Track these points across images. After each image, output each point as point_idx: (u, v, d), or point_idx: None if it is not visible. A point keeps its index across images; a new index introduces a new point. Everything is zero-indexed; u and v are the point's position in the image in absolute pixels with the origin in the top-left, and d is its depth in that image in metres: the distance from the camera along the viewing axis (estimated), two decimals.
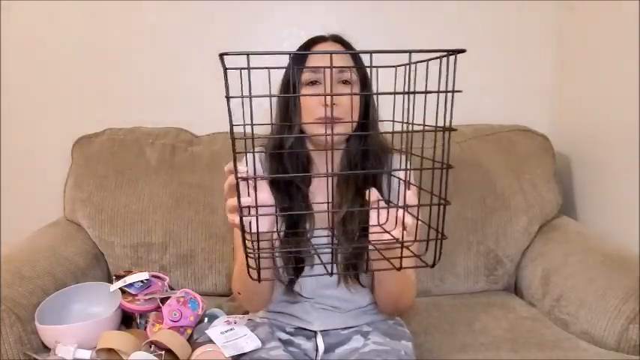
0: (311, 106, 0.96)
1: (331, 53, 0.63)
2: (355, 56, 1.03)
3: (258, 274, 0.64)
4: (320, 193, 1.04)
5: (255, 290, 0.97)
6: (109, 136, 1.49)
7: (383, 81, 0.70)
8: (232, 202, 0.73)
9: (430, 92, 0.61)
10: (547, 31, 1.65)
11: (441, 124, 0.60)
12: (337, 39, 1.04)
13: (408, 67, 0.65)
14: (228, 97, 0.56)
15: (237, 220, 0.73)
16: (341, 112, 0.96)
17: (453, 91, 0.59)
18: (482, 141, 1.50)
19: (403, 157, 1.02)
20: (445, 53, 0.59)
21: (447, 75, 0.58)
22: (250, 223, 0.68)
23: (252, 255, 0.64)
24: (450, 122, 0.60)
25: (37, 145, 1.67)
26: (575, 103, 1.57)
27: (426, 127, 0.63)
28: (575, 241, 1.33)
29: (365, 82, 1.02)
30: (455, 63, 0.57)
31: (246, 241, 0.63)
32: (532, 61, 1.67)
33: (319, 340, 1.03)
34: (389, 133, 0.70)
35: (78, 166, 1.46)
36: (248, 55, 0.53)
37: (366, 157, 1.02)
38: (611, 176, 1.40)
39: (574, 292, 1.20)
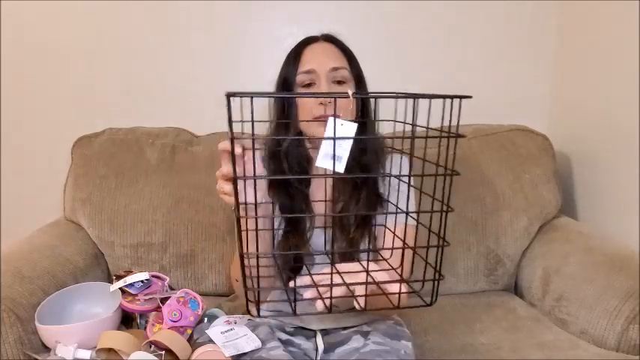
0: (308, 107, 0.97)
1: (335, 97, 0.62)
2: (349, 55, 1.04)
3: (257, 309, 0.64)
4: (319, 192, 1.04)
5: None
6: (109, 136, 1.49)
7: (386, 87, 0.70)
8: (224, 169, 0.75)
9: (432, 137, 0.60)
10: (547, 31, 1.65)
11: (446, 129, 0.59)
12: (329, 38, 1.05)
13: (413, 101, 0.64)
14: (232, 139, 0.57)
15: (225, 187, 0.75)
16: (338, 111, 0.96)
17: (457, 136, 0.58)
18: (482, 141, 1.50)
19: (405, 155, 1.03)
20: (450, 97, 0.58)
21: (451, 116, 0.58)
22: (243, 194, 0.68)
23: (250, 287, 0.63)
24: (455, 145, 0.59)
25: (37, 145, 1.67)
26: (575, 103, 1.57)
27: (432, 132, 0.62)
28: (575, 241, 1.33)
29: (359, 81, 1.02)
30: (460, 107, 0.57)
31: (244, 260, 0.63)
32: (532, 61, 1.67)
33: (319, 339, 1.03)
34: (393, 137, 0.70)
35: (78, 166, 1.46)
36: (252, 96, 0.55)
37: (363, 155, 1.03)
38: (611, 176, 1.40)
39: (574, 292, 1.20)
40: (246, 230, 0.63)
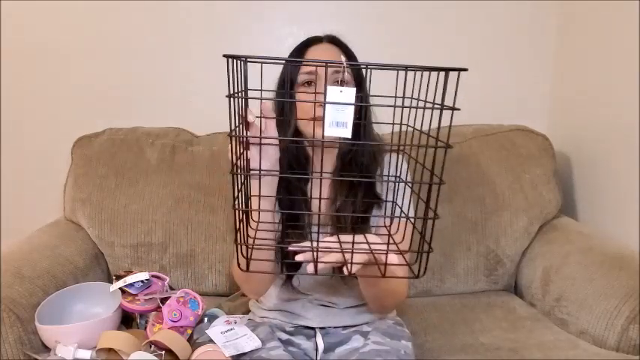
0: (306, 107, 0.98)
1: (327, 63, 0.65)
2: (350, 56, 1.04)
3: (247, 264, 0.66)
4: (317, 190, 1.05)
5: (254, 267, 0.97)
6: (109, 136, 1.49)
7: (382, 76, 0.71)
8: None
9: (427, 108, 0.62)
10: (547, 31, 1.65)
11: (446, 105, 0.60)
12: (332, 40, 1.05)
13: (404, 74, 0.66)
14: (229, 96, 0.59)
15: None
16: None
17: (453, 109, 0.59)
18: (482, 141, 1.50)
19: (400, 155, 1.03)
20: (443, 70, 0.60)
21: (445, 90, 0.59)
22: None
23: (251, 245, 0.65)
24: (449, 135, 0.60)
25: (37, 145, 1.67)
26: (575, 103, 1.57)
27: (429, 105, 0.64)
28: (575, 241, 1.33)
29: (359, 81, 1.02)
30: (457, 79, 0.58)
31: (239, 224, 0.65)
32: (532, 61, 1.67)
33: (319, 339, 1.03)
34: (390, 106, 0.71)
35: (78, 166, 1.46)
36: (247, 59, 0.57)
37: (360, 154, 1.03)
38: (611, 176, 1.40)
39: (574, 292, 1.20)
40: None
